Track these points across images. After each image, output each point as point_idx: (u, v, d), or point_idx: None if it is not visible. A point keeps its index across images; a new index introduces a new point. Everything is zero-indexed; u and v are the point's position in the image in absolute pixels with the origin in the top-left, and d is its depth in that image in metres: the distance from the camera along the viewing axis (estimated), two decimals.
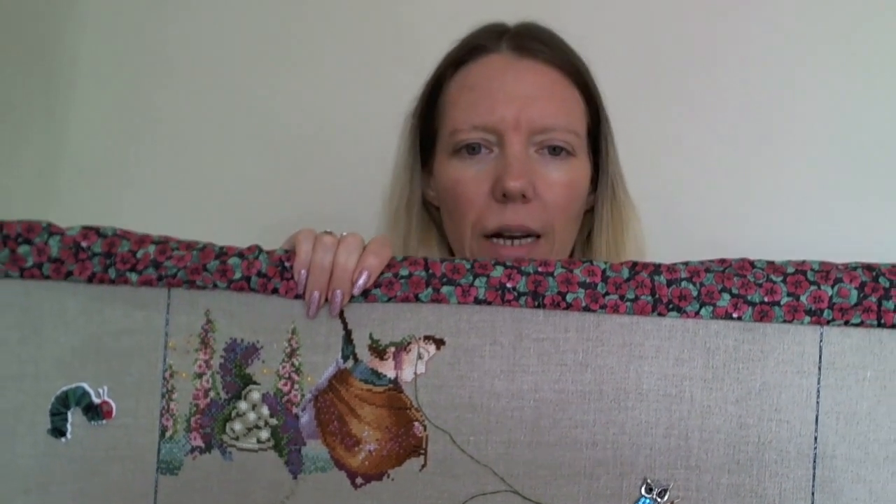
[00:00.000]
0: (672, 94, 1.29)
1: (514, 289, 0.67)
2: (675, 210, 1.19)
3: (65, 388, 0.70)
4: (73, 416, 0.69)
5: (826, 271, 0.67)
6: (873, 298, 0.67)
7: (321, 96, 1.34)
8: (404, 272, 0.68)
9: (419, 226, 0.95)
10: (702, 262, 0.69)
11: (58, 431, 0.69)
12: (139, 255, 0.68)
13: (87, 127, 1.39)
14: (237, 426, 0.69)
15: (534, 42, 0.88)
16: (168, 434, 0.69)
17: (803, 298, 0.67)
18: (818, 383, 0.68)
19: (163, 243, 0.69)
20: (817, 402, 0.68)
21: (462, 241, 0.87)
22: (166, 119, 1.36)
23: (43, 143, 1.39)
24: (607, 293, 0.67)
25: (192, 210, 1.38)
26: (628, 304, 0.67)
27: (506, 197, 0.82)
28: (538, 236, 0.84)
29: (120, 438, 0.69)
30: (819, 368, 0.68)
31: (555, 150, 0.85)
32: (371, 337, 0.68)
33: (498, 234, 0.84)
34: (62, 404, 0.69)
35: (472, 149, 0.85)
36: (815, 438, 0.67)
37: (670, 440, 0.67)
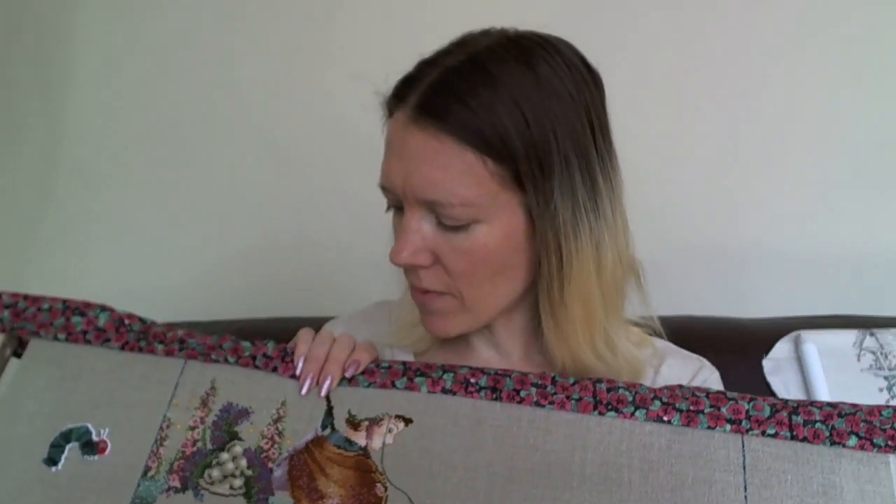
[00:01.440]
0: (671, 94, 1.29)
1: (476, 383, 0.85)
2: (672, 209, 1.19)
3: (70, 426, 0.82)
4: (70, 451, 0.81)
5: (742, 395, 0.85)
6: (784, 413, 0.83)
7: (322, 97, 1.34)
8: (385, 365, 0.86)
9: None
10: (637, 384, 0.87)
11: (51, 461, 0.80)
12: (169, 335, 0.88)
13: (86, 126, 1.39)
14: (215, 472, 0.80)
15: (440, 98, 0.78)
16: (150, 474, 0.80)
17: (724, 409, 0.83)
18: (744, 481, 0.80)
19: (190, 331, 0.89)
20: (745, 497, 0.79)
21: None
22: (165, 119, 1.37)
23: (41, 142, 1.37)
24: (556, 392, 0.84)
25: (192, 210, 1.37)
26: (573, 402, 0.83)
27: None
28: (452, 295, 0.84)
29: (104, 473, 0.80)
30: (744, 468, 0.81)
31: (448, 225, 0.80)
32: (349, 412, 0.84)
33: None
34: (64, 438, 0.81)
35: (391, 206, 0.84)
36: None
37: None
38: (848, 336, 1.21)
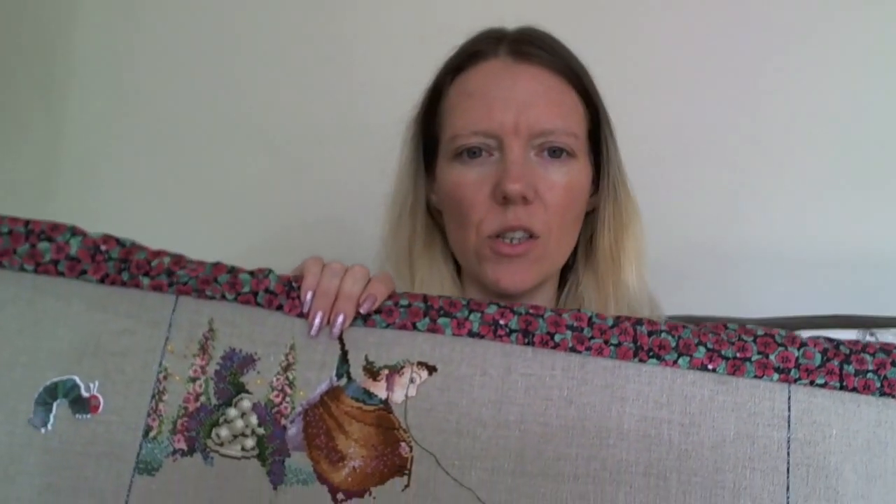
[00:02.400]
0: (671, 94, 1.34)
1: (506, 325, 0.77)
2: (672, 209, 1.23)
3: (55, 380, 0.74)
4: (58, 409, 0.74)
5: (792, 337, 0.79)
6: (835, 362, 0.77)
7: (323, 98, 1.39)
8: (404, 302, 0.78)
9: (423, 230, 1.00)
10: (681, 321, 0.80)
11: (39, 421, 0.73)
12: (154, 263, 0.77)
13: (86, 126, 1.42)
14: (223, 432, 0.73)
15: (531, 47, 0.94)
16: (152, 434, 0.73)
17: (772, 357, 0.77)
18: (788, 436, 0.76)
19: (178, 257, 0.78)
20: (788, 454, 0.76)
21: (465, 242, 0.94)
22: (165, 119, 1.40)
23: (41, 141, 1.40)
24: (592, 337, 0.77)
25: (192, 210, 1.40)
26: (612, 348, 0.77)
27: (506, 199, 0.89)
28: (537, 237, 0.91)
29: (101, 434, 0.73)
30: (788, 423, 0.76)
31: (554, 153, 0.91)
32: (366, 359, 0.76)
33: (499, 235, 0.91)
34: (49, 395, 0.73)
35: (472, 153, 0.92)
36: (788, 488, 0.74)
37: (649, 479, 0.74)
38: (848, 336, 1.18)
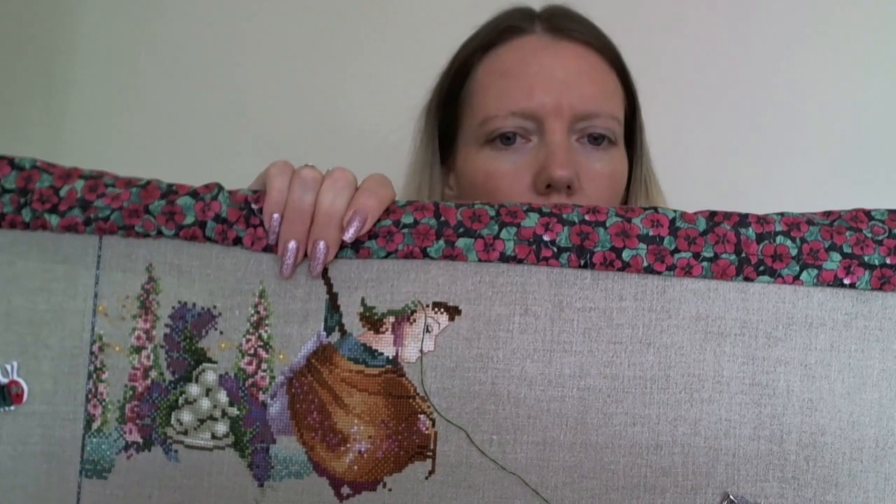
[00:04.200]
0: (670, 95, 1.33)
1: (553, 242, 0.55)
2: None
3: None
4: None
5: None
6: None
7: (327, 95, 1.39)
8: (408, 219, 0.56)
9: None
10: (802, 214, 0.56)
11: None
12: (63, 192, 0.56)
13: (86, 126, 1.43)
14: (186, 417, 0.57)
15: (569, 22, 0.89)
16: (95, 425, 0.57)
17: None
18: None
19: (95, 178, 0.57)
20: None
21: None
22: (165, 119, 1.40)
23: (41, 141, 1.42)
24: (677, 250, 0.55)
25: None
26: (705, 264, 0.55)
27: (550, 188, 0.81)
28: None
29: (33, 430, 0.58)
30: None
31: (596, 140, 0.85)
32: (363, 303, 0.57)
33: None
34: None
35: (506, 139, 0.85)
36: None
37: (759, 444, 0.55)
38: None
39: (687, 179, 1.28)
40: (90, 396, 0.60)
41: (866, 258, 0.58)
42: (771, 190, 1.35)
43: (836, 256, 0.58)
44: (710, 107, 1.35)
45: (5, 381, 0.60)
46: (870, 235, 0.58)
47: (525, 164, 0.84)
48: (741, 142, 1.36)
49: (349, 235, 0.58)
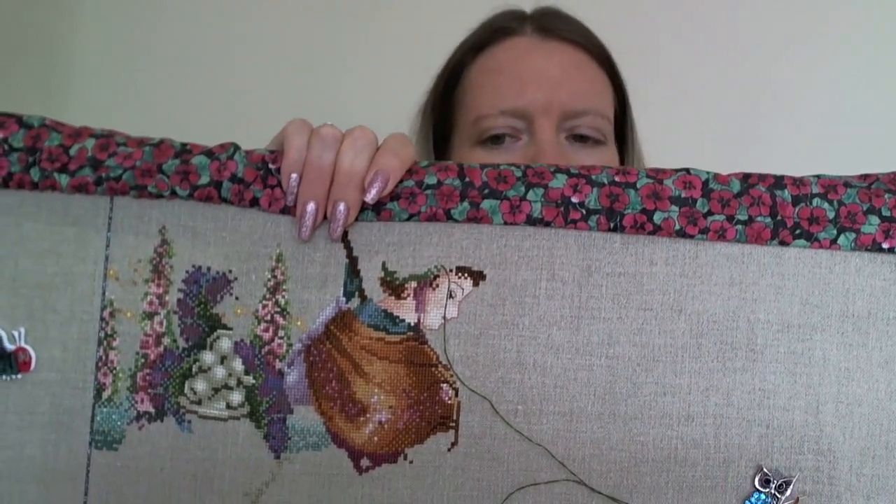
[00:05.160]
0: (670, 95, 1.37)
1: (581, 204, 0.55)
2: None
3: None
4: None
5: None
6: None
7: (326, 95, 1.41)
8: (431, 180, 0.55)
9: None
10: (839, 176, 0.55)
11: None
12: (73, 151, 0.55)
13: (85, 125, 1.46)
14: (200, 386, 0.56)
15: (559, 22, 0.93)
16: (105, 394, 0.56)
17: None
18: None
19: (106, 137, 0.56)
20: None
21: None
22: (165, 119, 1.38)
23: None
24: (710, 212, 0.55)
25: None
26: (739, 227, 0.55)
27: None
28: None
29: (40, 399, 0.57)
30: None
31: (584, 139, 0.88)
32: (385, 267, 0.56)
33: None
34: None
35: (497, 139, 0.88)
36: None
37: (794, 414, 0.55)
38: None
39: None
40: (100, 364, 0.59)
41: None
42: None
43: (875, 220, 0.57)
44: (708, 106, 1.39)
45: (12, 347, 0.59)
46: None
47: (515, 161, 0.84)
48: (740, 141, 1.40)
49: (371, 196, 0.57)
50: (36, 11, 1.41)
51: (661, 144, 1.31)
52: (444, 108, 0.97)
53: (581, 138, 0.89)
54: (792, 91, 1.39)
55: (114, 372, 0.60)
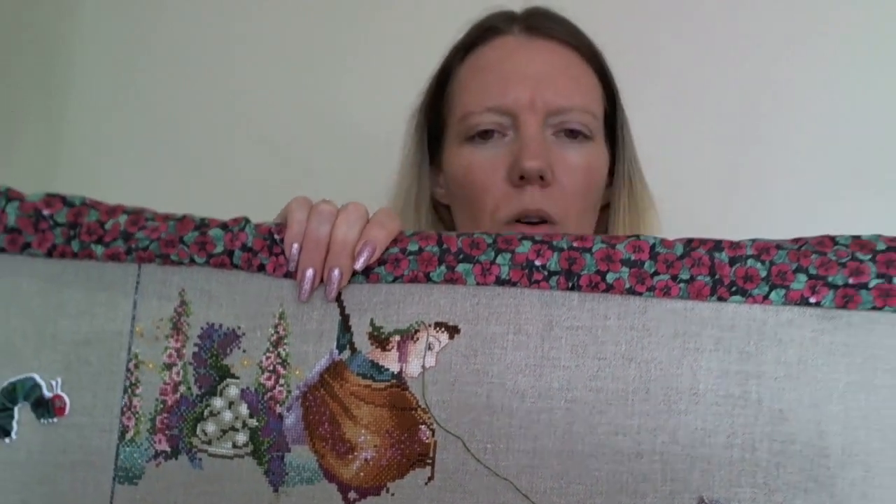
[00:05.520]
0: (669, 95, 1.37)
1: (543, 267, 0.64)
2: (673, 211, 1.17)
3: (12, 380, 0.68)
4: (20, 414, 0.68)
5: None
6: None
7: (322, 95, 1.43)
8: (413, 247, 0.65)
9: (428, 226, 0.99)
10: (772, 240, 0.64)
11: (1, 430, 0.65)
12: (108, 226, 0.66)
13: (86, 125, 1.48)
14: (210, 428, 0.65)
15: (547, 22, 0.96)
16: (129, 436, 0.65)
17: None
18: None
19: (136, 213, 0.67)
20: None
21: (479, 230, 0.87)
22: (165, 119, 1.45)
23: (41, 141, 1.45)
24: (656, 273, 0.63)
25: (191, 210, 1.47)
26: (682, 285, 0.63)
27: (523, 180, 0.87)
28: (555, 224, 0.89)
29: (72, 440, 0.66)
30: None
31: (571, 133, 0.91)
32: (372, 323, 0.65)
33: (517, 220, 0.89)
34: (8, 398, 0.67)
35: (484, 135, 0.92)
36: None
37: (733, 451, 0.62)
38: None
39: (685, 179, 1.35)
40: (125, 409, 0.69)
41: (830, 279, 0.66)
42: (769, 189, 1.37)
43: (803, 277, 0.66)
44: (708, 106, 1.39)
45: (50, 395, 0.69)
46: (834, 258, 0.66)
47: (500, 156, 0.90)
48: (740, 141, 1.39)
49: (360, 264, 0.67)
50: (36, 11, 1.41)
51: (661, 144, 1.32)
52: (436, 108, 1.00)
53: (569, 133, 0.91)
54: (792, 91, 1.38)
55: (136, 416, 0.69)
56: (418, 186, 1.00)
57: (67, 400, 0.69)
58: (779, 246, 0.67)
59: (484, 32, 0.96)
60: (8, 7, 1.34)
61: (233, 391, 0.69)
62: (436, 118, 1.00)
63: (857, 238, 0.67)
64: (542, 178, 0.87)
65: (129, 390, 0.69)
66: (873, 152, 1.34)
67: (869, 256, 0.66)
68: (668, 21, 1.40)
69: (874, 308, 0.65)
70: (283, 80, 1.45)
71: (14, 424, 0.69)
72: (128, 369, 0.69)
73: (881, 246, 0.66)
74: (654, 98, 1.36)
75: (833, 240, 0.67)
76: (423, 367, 0.68)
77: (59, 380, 0.69)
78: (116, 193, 1.45)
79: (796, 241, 0.68)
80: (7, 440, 0.69)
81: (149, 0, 1.46)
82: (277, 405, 0.68)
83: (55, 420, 0.69)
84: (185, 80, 1.45)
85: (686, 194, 1.31)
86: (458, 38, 0.99)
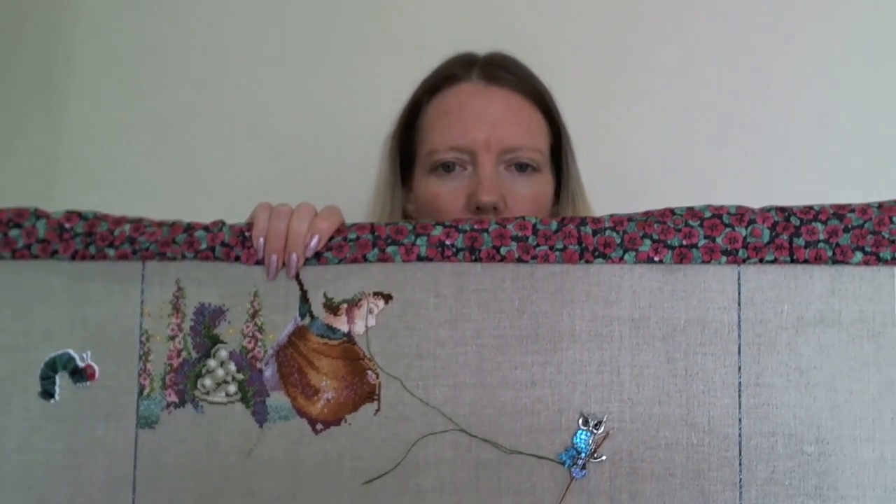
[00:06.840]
0: (669, 95, 1.44)
1: (452, 245, 0.86)
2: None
3: (52, 355, 0.89)
4: (61, 380, 0.89)
5: (741, 214, 0.86)
6: (785, 237, 0.84)
7: (324, 99, 1.50)
8: (352, 236, 0.88)
9: None
10: (626, 214, 0.87)
11: (47, 394, 0.89)
12: (116, 233, 0.89)
13: (85, 126, 1.53)
14: (207, 382, 0.88)
15: (501, 70, 1.15)
16: (146, 392, 0.88)
17: (719, 240, 0.85)
18: (738, 317, 0.84)
19: (137, 222, 0.90)
20: (739, 335, 0.85)
21: None
22: (165, 119, 1.51)
23: (41, 141, 1.51)
24: (538, 245, 0.85)
25: (192, 210, 1.49)
26: (557, 253, 0.86)
27: (479, 210, 1.06)
28: None
29: (103, 398, 0.88)
30: (738, 304, 0.85)
31: (521, 167, 1.11)
32: (325, 295, 0.87)
33: None
34: (51, 369, 0.89)
35: (447, 167, 1.11)
36: (739, 368, 0.84)
37: (603, 376, 0.85)
38: None
39: (686, 182, 1.44)
40: (141, 372, 0.92)
41: (669, 242, 0.88)
42: (769, 189, 1.37)
43: (648, 242, 0.88)
44: (708, 106, 1.45)
45: (82, 364, 0.92)
46: (672, 226, 0.89)
47: (461, 188, 1.10)
48: (740, 141, 1.45)
49: (310, 251, 0.90)
50: (36, 11, 1.46)
51: (661, 144, 1.44)
52: (407, 139, 1.17)
53: (519, 167, 1.10)
54: (792, 91, 1.43)
55: (150, 377, 0.92)
56: (391, 205, 1.18)
57: (97, 368, 0.92)
58: (630, 218, 0.90)
59: (446, 79, 1.15)
60: (8, 7, 1.41)
61: (223, 353, 0.92)
62: (407, 146, 1.18)
63: (690, 209, 0.90)
64: (495, 208, 1.06)
65: (144, 357, 0.92)
66: (874, 152, 1.41)
67: (698, 223, 0.89)
68: (668, 21, 1.46)
69: (703, 262, 0.88)
70: (284, 81, 1.51)
71: (56, 389, 0.92)
72: (141, 342, 0.92)
73: (707, 214, 0.89)
74: (654, 98, 1.45)
75: (672, 211, 0.90)
76: (367, 326, 0.91)
77: (89, 353, 0.92)
78: (117, 193, 1.60)
79: (645, 213, 0.91)
80: (52, 400, 0.92)
81: (149, 0, 1.51)
82: (258, 362, 0.91)
83: (88, 384, 0.92)
84: (185, 80, 1.51)
85: (686, 194, 1.31)
86: (424, 79, 1.17)
